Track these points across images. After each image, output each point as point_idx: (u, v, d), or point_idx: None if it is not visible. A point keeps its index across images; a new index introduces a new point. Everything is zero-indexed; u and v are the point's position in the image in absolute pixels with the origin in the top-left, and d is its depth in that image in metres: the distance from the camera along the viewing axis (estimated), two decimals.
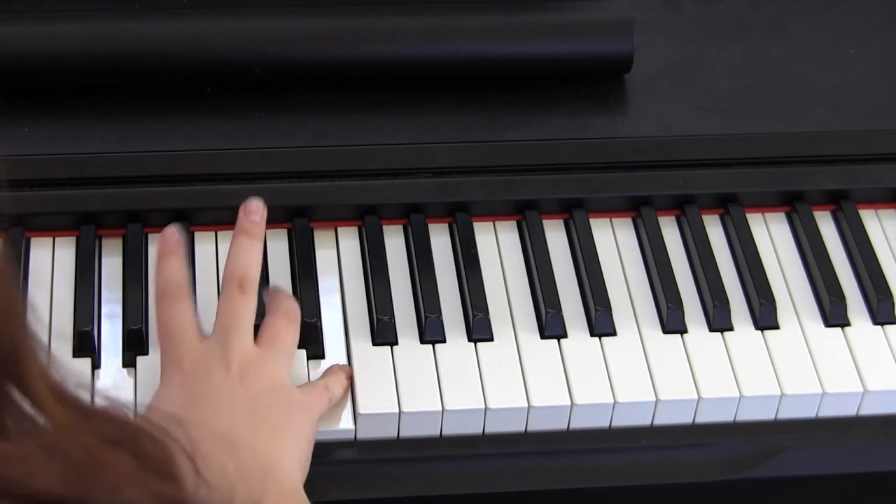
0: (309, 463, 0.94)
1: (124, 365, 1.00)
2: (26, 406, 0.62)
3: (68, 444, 0.62)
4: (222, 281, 0.99)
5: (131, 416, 0.69)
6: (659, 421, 1.02)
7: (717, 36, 1.20)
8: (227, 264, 0.99)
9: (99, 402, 0.67)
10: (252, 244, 0.99)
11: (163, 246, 1.00)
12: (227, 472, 0.87)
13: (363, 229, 1.09)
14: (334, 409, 0.99)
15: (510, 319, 1.05)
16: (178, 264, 0.99)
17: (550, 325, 1.04)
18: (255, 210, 1.01)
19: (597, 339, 1.04)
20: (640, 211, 1.11)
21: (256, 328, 0.98)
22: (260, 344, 0.97)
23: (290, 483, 0.91)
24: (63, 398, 0.64)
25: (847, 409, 1.04)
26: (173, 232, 1.01)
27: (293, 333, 0.99)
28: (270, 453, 0.91)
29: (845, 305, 1.07)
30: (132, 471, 0.63)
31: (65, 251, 1.06)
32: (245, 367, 0.94)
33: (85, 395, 0.65)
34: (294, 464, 0.92)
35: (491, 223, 1.10)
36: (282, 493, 0.89)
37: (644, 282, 1.08)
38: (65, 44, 1.09)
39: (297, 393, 0.96)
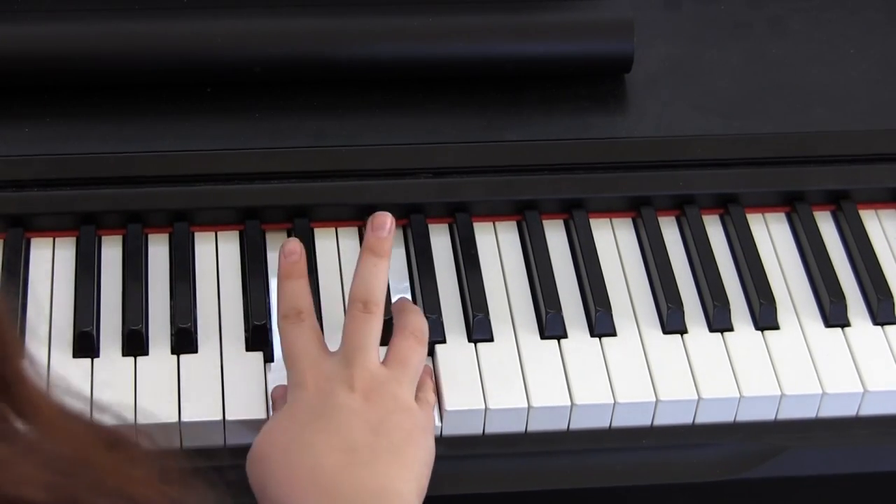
0: (426, 486, 0.93)
1: (124, 366, 1.00)
2: (7, 412, 0.62)
3: (59, 440, 0.62)
4: (348, 301, 0.98)
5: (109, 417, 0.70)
6: (659, 421, 1.02)
7: (717, 36, 1.20)
8: (352, 285, 0.98)
9: (77, 405, 0.68)
10: (377, 263, 0.98)
11: (285, 267, 0.99)
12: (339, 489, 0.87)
13: (363, 229, 1.09)
14: None
15: (510, 319, 1.05)
16: (301, 288, 0.99)
17: (550, 325, 1.04)
18: (381, 225, 1.00)
19: (597, 339, 1.04)
20: (640, 211, 1.11)
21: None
22: (387, 364, 0.96)
23: None
24: (50, 400, 0.64)
25: (847, 409, 1.04)
26: (294, 250, 1.00)
27: (420, 355, 0.98)
28: (389, 476, 0.90)
29: (845, 305, 1.07)
30: (118, 465, 0.64)
31: (65, 251, 1.06)
32: (369, 388, 0.94)
33: (71, 401, 0.66)
34: (411, 488, 0.91)
35: (491, 223, 1.10)
36: None
37: (644, 282, 1.08)
38: (65, 44, 1.09)
39: (420, 416, 0.95)
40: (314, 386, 0.94)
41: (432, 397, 0.99)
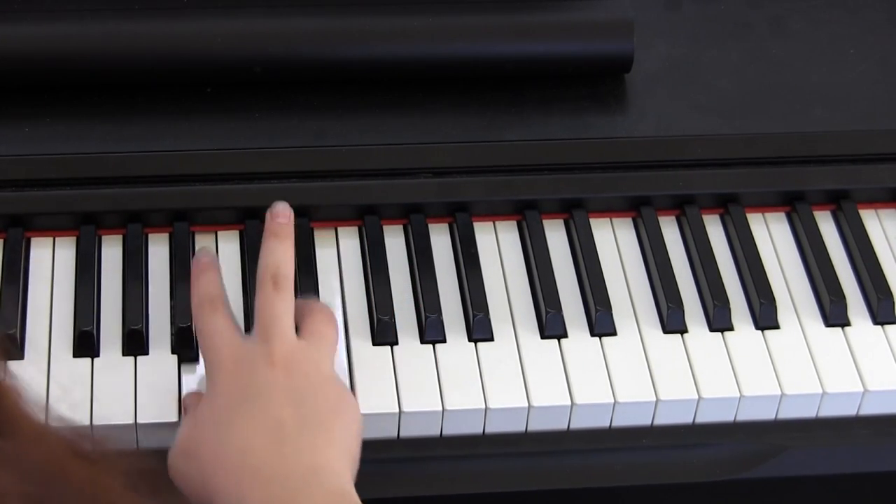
0: (359, 455, 0.93)
1: (124, 365, 1.00)
2: None
3: (36, 453, 0.62)
4: (257, 281, 0.97)
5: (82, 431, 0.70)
6: (659, 421, 1.02)
7: (717, 36, 1.20)
8: (259, 264, 0.98)
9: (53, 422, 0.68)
10: (282, 242, 0.98)
11: (196, 266, 1.00)
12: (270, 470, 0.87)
13: (363, 229, 1.09)
14: None
15: (510, 319, 1.05)
16: (212, 277, 0.99)
17: (550, 325, 1.04)
18: (280, 213, 1.00)
19: (597, 338, 1.04)
20: (640, 211, 1.11)
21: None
22: (303, 337, 0.96)
23: (336, 482, 0.89)
24: (27, 414, 0.64)
25: (847, 409, 1.04)
26: (206, 253, 1.01)
27: (333, 328, 0.98)
28: (319, 450, 0.90)
29: (845, 305, 1.07)
30: (94, 477, 0.64)
31: (65, 251, 1.06)
32: (289, 360, 0.93)
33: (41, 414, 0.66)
34: (342, 461, 0.90)
35: (491, 223, 1.10)
36: (328, 495, 0.88)
37: (644, 282, 1.08)
38: (65, 44, 1.09)
39: (342, 385, 0.95)
40: (233, 365, 0.93)
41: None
